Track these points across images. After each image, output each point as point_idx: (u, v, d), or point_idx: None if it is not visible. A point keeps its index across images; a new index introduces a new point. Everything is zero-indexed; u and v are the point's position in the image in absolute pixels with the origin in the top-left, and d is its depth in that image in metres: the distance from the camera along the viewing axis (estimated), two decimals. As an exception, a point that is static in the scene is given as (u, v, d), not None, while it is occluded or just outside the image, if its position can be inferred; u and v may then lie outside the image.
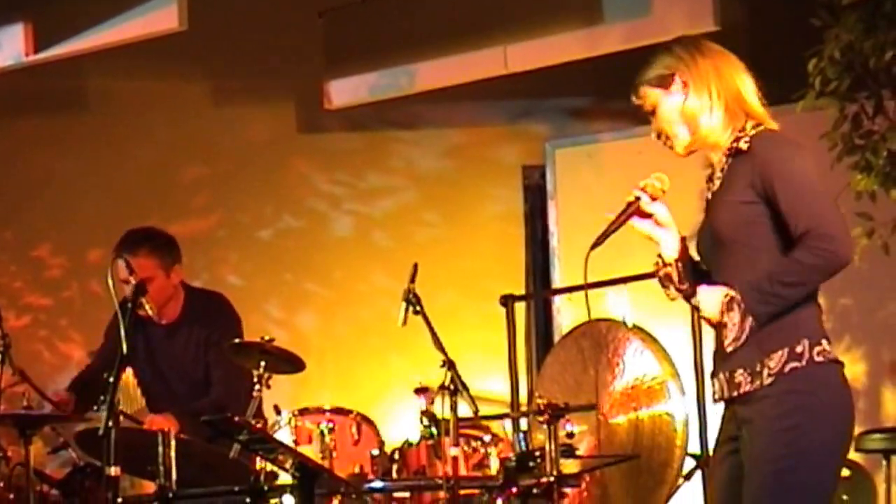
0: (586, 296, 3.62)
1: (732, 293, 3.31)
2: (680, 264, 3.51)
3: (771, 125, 3.44)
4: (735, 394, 3.37)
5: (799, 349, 3.29)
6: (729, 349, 3.34)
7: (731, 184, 3.39)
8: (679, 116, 3.46)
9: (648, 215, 3.48)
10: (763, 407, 3.30)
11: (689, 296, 3.52)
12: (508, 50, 6.79)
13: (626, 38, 6.43)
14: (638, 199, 3.48)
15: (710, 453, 5.49)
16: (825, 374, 3.31)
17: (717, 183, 3.46)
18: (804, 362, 3.29)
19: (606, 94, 7.21)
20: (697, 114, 3.44)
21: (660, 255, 3.53)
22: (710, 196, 3.50)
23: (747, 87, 3.47)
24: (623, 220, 3.48)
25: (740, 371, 3.35)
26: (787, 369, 3.28)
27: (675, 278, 3.51)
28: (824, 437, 3.28)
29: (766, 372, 3.30)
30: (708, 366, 5.46)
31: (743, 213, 3.35)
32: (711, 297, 3.36)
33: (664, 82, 3.47)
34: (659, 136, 3.53)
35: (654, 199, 3.48)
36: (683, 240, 3.51)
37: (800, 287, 3.28)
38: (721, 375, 3.41)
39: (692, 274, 3.52)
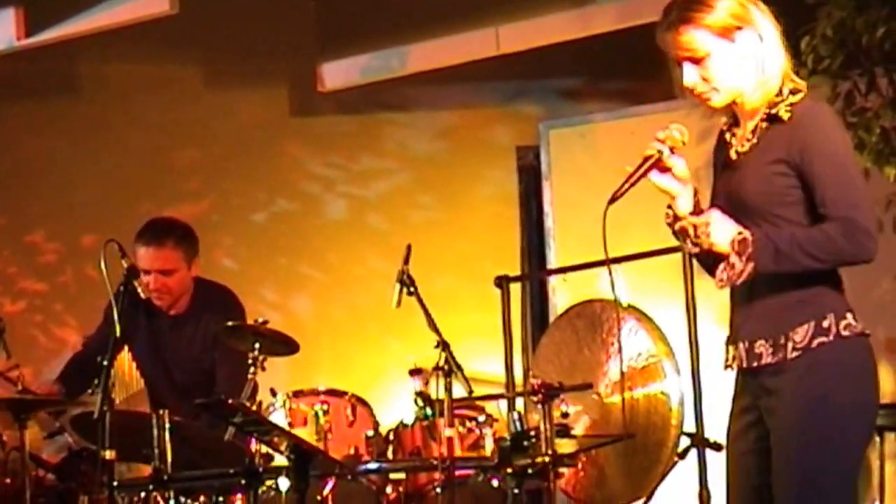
0: (609, 267, 3.52)
1: (747, 235, 3.23)
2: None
3: (807, 93, 3.34)
4: (755, 364, 3.32)
5: (825, 324, 3.24)
6: (718, 286, 3.29)
7: (766, 152, 3.30)
8: (742, 72, 3.30)
9: (667, 169, 3.36)
10: (791, 380, 3.25)
11: (703, 250, 3.40)
12: (500, 31, 6.78)
13: (618, 17, 6.43)
14: (660, 152, 3.34)
15: (705, 432, 5.51)
16: (852, 348, 3.26)
17: (748, 146, 3.35)
18: (832, 336, 3.23)
19: (599, 75, 7.21)
20: (765, 76, 3.30)
21: (670, 207, 3.42)
22: (734, 156, 3.38)
23: (783, 48, 3.36)
24: (643, 174, 3.34)
25: (761, 342, 3.30)
26: (814, 344, 3.23)
27: (692, 232, 3.40)
28: (855, 408, 3.25)
29: (790, 345, 3.25)
30: (703, 345, 5.52)
31: (776, 184, 3.27)
32: (726, 228, 3.26)
33: (728, 32, 3.29)
34: (693, 87, 3.33)
35: (673, 151, 3.35)
36: (696, 192, 3.41)
37: (817, 262, 3.21)
38: (740, 344, 3.36)
39: None
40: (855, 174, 3.28)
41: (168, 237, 5.53)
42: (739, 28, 3.30)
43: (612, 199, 3.31)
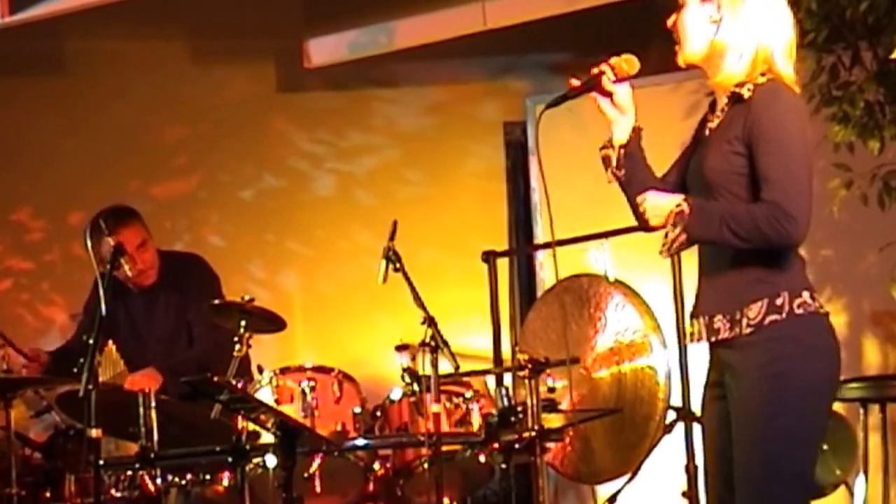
0: (552, 233, 3.61)
1: (684, 207, 3.30)
2: (623, 151, 3.50)
3: (790, 86, 3.36)
4: (713, 339, 3.38)
5: (779, 301, 3.28)
6: (661, 255, 3.39)
7: (727, 130, 3.36)
8: (699, 35, 3.40)
9: (609, 94, 3.47)
10: (747, 355, 3.30)
11: (622, 182, 3.52)
12: (487, 6, 6.76)
13: (604, -8, 6.42)
14: (602, 73, 3.45)
15: (692, 406, 5.54)
16: (806, 325, 3.30)
17: (717, 122, 3.42)
18: (784, 315, 3.28)
19: (586, 50, 7.18)
20: (723, 53, 3.38)
21: (611, 138, 3.52)
22: (707, 132, 3.45)
23: (785, 43, 3.38)
24: (582, 91, 3.47)
25: (719, 317, 3.36)
26: (766, 321, 3.28)
27: (613, 162, 3.51)
28: (810, 381, 3.28)
29: (745, 321, 3.30)
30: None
31: (732, 162, 3.31)
32: (661, 205, 3.35)
33: None
34: (670, 26, 3.45)
35: (620, 78, 3.45)
36: (638, 130, 3.50)
37: (738, 240, 3.27)
38: (700, 319, 3.42)
39: (641, 171, 3.50)
40: (797, 160, 3.28)
41: (124, 217, 5.54)
42: None
43: (549, 105, 3.47)
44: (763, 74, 3.34)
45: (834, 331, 3.36)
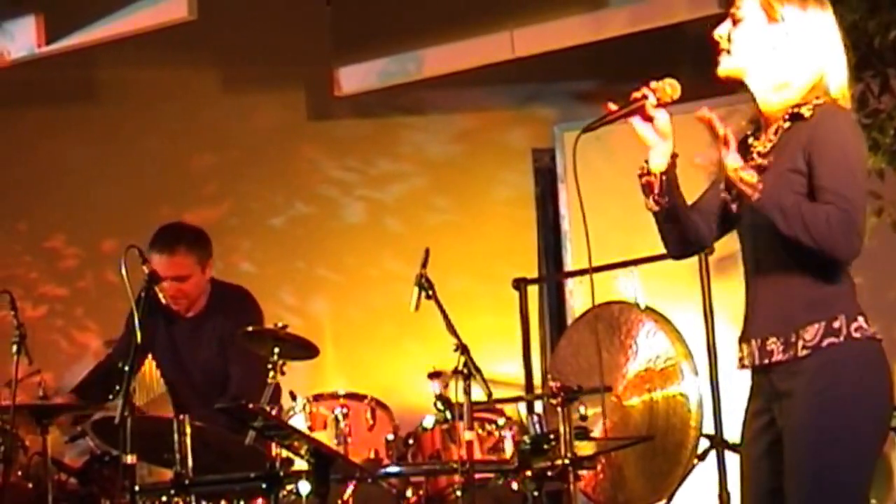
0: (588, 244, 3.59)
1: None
2: (664, 177, 3.42)
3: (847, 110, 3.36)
4: (766, 361, 3.32)
5: (836, 325, 3.23)
6: (728, 168, 3.28)
7: (785, 149, 3.31)
8: (758, 53, 3.36)
9: (650, 118, 3.38)
10: (803, 381, 3.25)
11: (663, 209, 3.44)
12: (515, 34, 6.80)
13: (631, 21, 6.45)
14: (645, 97, 3.36)
15: (724, 434, 5.53)
16: (863, 350, 3.26)
17: (768, 146, 3.37)
18: (842, 338, 3.23)
19: (613, 77, 7.22)
20: (785, 87, 3.35)
21: (647, 162, 3.44)
22: (755, 156, 3.38)
23: (841, 80, 3.37)
24: (623, 115, 3.37)
25: (773, 339, 3.30)
26: (824, 343, 3.23)
27: (656, 189, 3.43)
28: (866, 409, 3.24)
29: (800, 343, 3.25)
30: (721, 346, 5.54)
31: (793, 181, 3.27)
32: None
33: (771, 13, 3.36)
34: (718, 38, 3.40)
35: (661, 103, 3.36)
36: (675, 156, 3.42)
37: (804, 234, 3.18)
38: (752, 342, 3.36)
39: (677, 198, 3.44)
40: (862, 180, 3.28)
41: (179, 244, 5.54)
42: (782, 21, 3.35)
43: (587, 129, 3.37)
44: (818, 98, 3.32)
45: (886, 357, 3.31)
